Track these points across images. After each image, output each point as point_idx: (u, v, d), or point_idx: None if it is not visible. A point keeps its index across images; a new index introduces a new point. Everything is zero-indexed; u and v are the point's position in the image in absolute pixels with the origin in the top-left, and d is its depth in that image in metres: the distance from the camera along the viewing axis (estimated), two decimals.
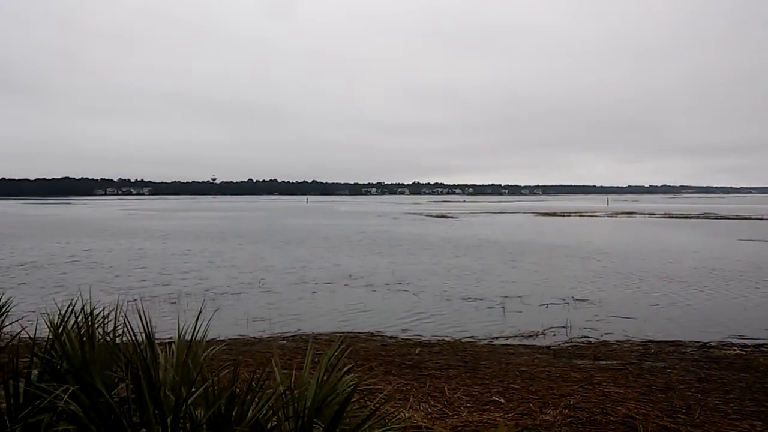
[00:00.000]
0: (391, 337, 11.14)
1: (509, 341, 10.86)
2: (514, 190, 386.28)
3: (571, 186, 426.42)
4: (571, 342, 10.76)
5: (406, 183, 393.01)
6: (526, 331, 11.58)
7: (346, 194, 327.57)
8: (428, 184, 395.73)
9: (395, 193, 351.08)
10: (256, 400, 2.97)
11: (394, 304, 14.57)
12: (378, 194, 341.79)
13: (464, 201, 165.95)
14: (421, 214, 72.45)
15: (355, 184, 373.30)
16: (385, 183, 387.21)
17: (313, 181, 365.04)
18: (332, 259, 23.93)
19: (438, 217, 64.37)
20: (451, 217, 62.64)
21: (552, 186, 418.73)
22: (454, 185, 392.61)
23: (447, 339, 10.99)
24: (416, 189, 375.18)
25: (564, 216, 65.74)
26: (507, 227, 46.73)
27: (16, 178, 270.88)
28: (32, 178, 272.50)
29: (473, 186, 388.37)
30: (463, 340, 10.88)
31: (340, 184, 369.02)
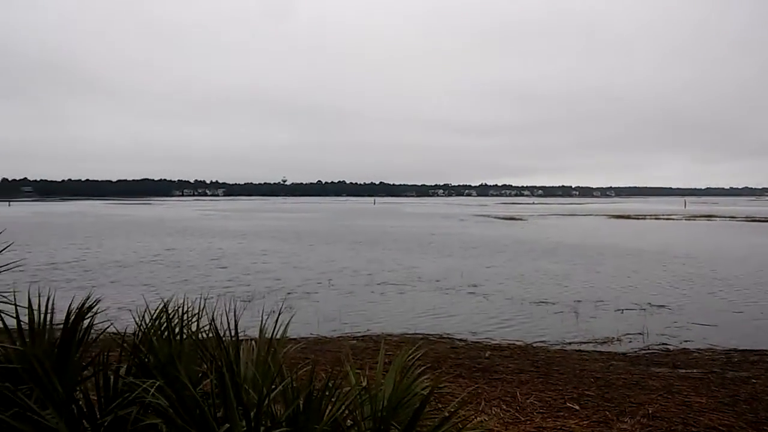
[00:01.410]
0: (460, 340, 11.07)
1: (583, 347, 10.61)
2: (586, 192, 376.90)
3: (645, 188, 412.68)
4: (649, 349, 10.41)
5: (473, 184, 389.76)
6: (601, 337, 11.28)
7: (412, 195, 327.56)
8: (496, 185, 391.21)
9: (462, 195, 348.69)
10: (333, 399, 3.01)
11: (464, 307, 14.48)
12: (444, 195, 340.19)
13: (533, 203, 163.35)
14: (489, 215, 71.74)
15: (421, 185, 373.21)
16: (452, 184, 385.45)
17: (381, 182, 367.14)
18: (402, 261, 23.99)
19: (506, 219, 63.59)
20: (521, 219, 61.78)
21: (625, 188, 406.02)
22: (522, 187, 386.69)
23: (518, 343, 10.84)
24: (483, 190, 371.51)
25: (639, 219, 63.67)
26: (580, 230, 45.69)
27: (99, 179, 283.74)
28: (114, 180, 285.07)
29: (542, 188, 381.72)
30: (534, 345, 10.71)
31: (406, 185, 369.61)
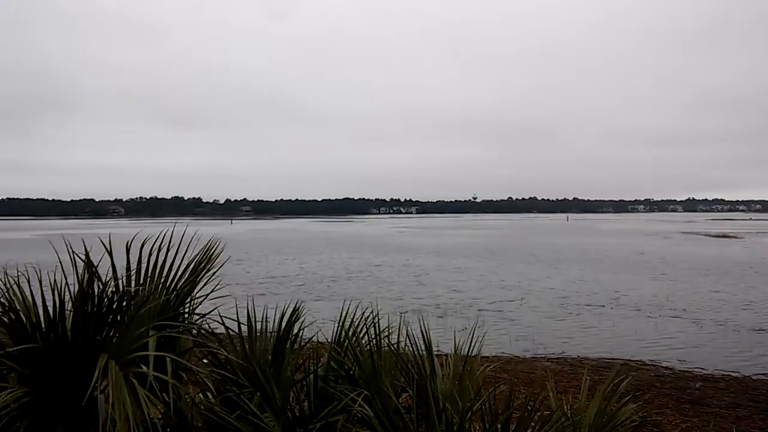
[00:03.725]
0: (666, 368, 10.28)
1: None
2: None
3: None
4: None
5: (678, 199, 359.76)
6: None
7: (609, 211, 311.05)
8: (705, 200, 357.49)
9: (665, 211, 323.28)
10: (533, 424, 2.94)
11: (669, 332, 13.43)
12: (645, 212, 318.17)
13: (750, 219, 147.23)
14: (697, 233, 65.85)
15: (619, 201, 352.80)
16: (654, 199, 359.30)
17: (574, 198, 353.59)
18: (600, 280, 22.89)
19: (719, 237, 57.85)
20: (736, 237, 55.88)
21: None
22: (736, 201, 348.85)
23: (734, 374, 9.83)
24: (690, 206, 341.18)
25: None
26: None
27: (307, 199, 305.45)
28: (319, 199, 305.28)
29: (761, 202, 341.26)
30: (753, 377, 9.64)
31: (603, 201, 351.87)
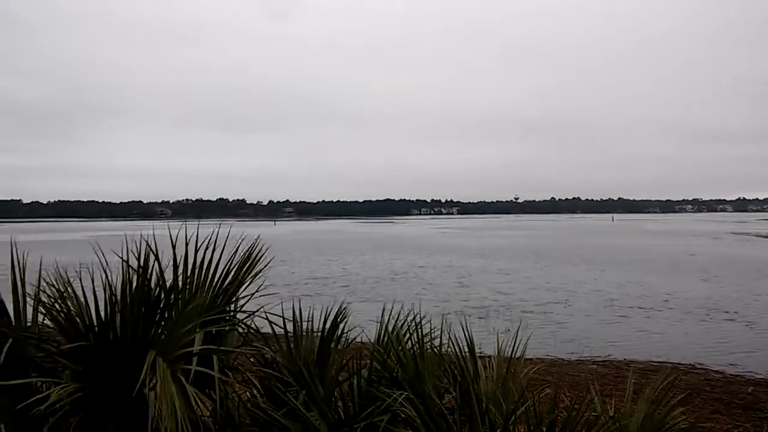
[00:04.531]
0: (716, 372, 10.00)
1: None
2: None
3: None
4: None
5: (728, 199, 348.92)
6: None
7: (656, 212, 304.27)
8: (757, 199, 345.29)
9: (714, 211, 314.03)
10: (578, 427, 2.90)
11: (721, 335, 13.06)
12: (694, 211, 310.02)
13: None
14: (749, 233, 63.84)
15: (666, 200, 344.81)
16: (703, 199, 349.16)
17: (619, 198, 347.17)
18: (648, 282, 22.40)
19: None
20: None
21: None
22: None
23: None
24: (741, 205, 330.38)
25: None
26: None
27: (348, 200, 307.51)
28: (360, 200, 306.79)
29: None
30: None
31: (649, 201, 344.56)
